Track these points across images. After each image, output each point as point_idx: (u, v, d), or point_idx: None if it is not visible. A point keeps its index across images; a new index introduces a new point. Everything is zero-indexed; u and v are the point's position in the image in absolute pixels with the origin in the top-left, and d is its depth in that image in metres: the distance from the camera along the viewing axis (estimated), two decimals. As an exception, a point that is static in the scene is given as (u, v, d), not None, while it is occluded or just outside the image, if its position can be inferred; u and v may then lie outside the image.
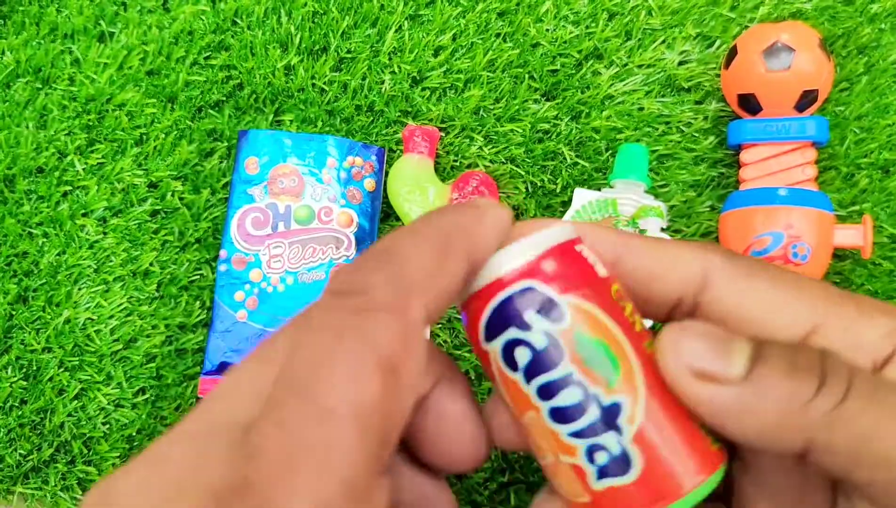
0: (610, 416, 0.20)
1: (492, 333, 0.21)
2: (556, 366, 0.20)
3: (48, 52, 0.55)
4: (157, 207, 0.54)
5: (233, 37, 0.55)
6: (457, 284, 0.20)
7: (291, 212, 0.52)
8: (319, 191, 0.52)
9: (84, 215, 0.54)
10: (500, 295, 0.21)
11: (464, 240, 0.20)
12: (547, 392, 0.21)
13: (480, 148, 0.55)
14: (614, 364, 0.20)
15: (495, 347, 0.21)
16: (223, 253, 0.51)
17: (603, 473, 0.20)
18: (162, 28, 0.55)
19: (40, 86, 0.55)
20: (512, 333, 0.21)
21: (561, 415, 0.20)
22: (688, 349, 0.20)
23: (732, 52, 0.52)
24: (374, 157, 0.53)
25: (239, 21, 0.55)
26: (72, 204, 0.54)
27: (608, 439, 0.20)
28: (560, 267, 0.21)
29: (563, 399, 0.20)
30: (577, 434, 0.20)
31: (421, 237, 0.20)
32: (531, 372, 0.21)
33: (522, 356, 0.21)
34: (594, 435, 0.20)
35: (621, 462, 0.20)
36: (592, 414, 0.20)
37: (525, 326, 0.21)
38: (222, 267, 0.51)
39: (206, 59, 0.55)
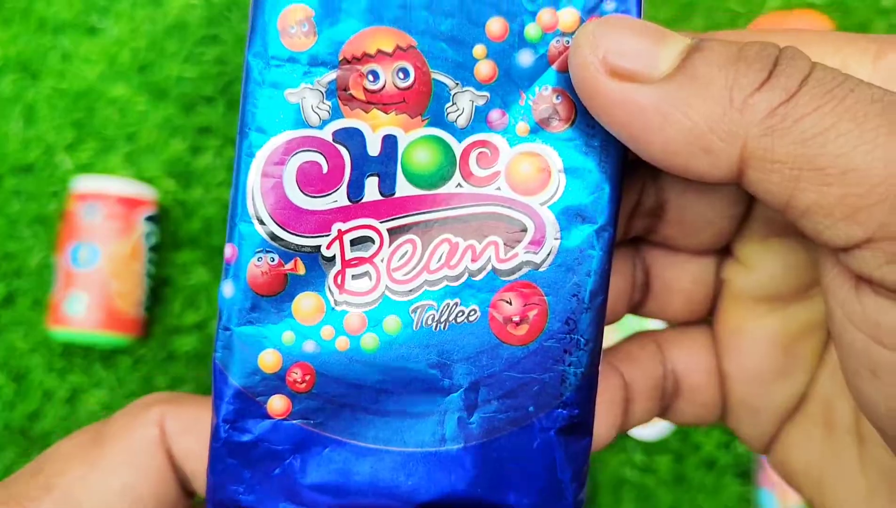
0: None
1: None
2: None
3: (36, 46, 0.53)
4: (149, 206, 0.53)
5: (226, 30, 0.54)
6: None
7: (398, 153, 0.19)
8: (468, 100, 0.19)
9: (73, 214, 0.53)
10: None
11: None
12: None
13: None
14: None
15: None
16: (230, 250, 0.18)
17: None
18: (153, 22, 0.54)
19: (28, 81, 0.54)
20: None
21: None
22: (608, 41, 0.16)
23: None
24: (612, 4, 0.18)
25: (232, 14, 0.54)
26: (61, 203, 0.52)
27: None
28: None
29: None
30: None
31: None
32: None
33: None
34: None
35: None
36: None
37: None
38: (227, 291, 0.18)
39: (199, 53, 0.54)
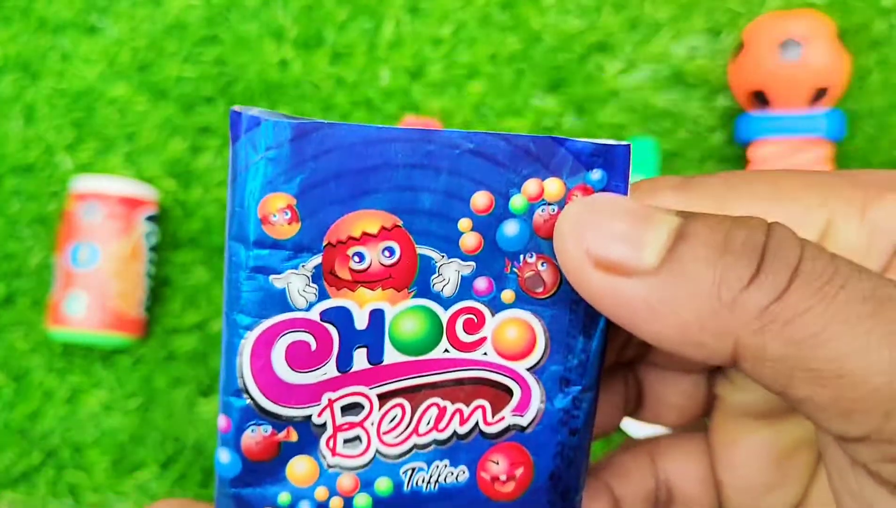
0: None
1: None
2: None
3: (36, 46, 0.53)
4: (149, 206, 0.53)
5: (226, 30, 0.54)
6: None
7: (385, 325, 0.19)
8: (453, 270, 0.19)
9: (73, 214, 0.52)
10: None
11: None
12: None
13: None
14: None
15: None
16: (224, 422, 0.19)
17: None
18: (153, 22, 0.54)
19: (28, 81, 0.53)
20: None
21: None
22: (592, 230, 0.15)
23: (740, 43, 0.51)
24: (598, 173, 0.18)
25: (231, 14, 0.54)
26: (61, 203, 0.52)
27: None
28: None
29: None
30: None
31: None
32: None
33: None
34: None
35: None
36: None
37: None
38: (223, 458, 0.19)
39: (199, 53, 0.53)
